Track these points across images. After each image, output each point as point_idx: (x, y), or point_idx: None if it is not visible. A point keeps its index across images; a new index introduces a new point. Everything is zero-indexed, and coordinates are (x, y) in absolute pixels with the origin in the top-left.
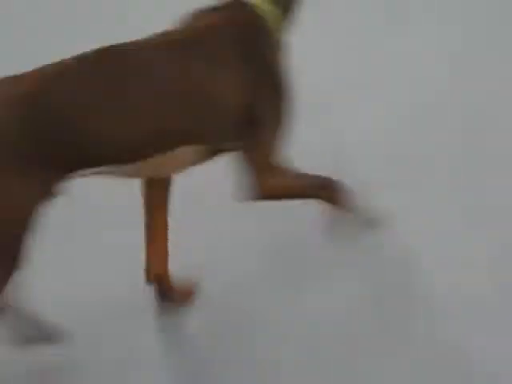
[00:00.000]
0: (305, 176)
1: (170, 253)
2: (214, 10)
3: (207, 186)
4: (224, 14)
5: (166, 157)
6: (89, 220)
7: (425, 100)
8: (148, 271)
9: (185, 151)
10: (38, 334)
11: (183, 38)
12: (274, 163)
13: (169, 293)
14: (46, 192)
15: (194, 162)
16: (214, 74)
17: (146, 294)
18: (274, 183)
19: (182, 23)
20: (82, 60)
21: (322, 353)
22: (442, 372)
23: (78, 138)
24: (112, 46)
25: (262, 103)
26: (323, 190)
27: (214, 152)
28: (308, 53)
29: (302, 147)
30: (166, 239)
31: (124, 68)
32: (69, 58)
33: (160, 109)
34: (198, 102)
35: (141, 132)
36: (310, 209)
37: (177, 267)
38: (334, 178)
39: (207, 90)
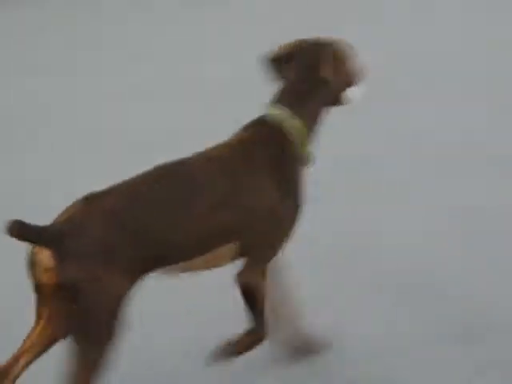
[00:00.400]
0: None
1: None
2: (246, 129)
3: None
4: (255, 132)
5: (211, 254)
6: None
7: None
8: None
9: (225, 249)
10: None
11: (224, 156)
12: (262, 268)
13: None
14: (131, 287)
15: (229, 260)
16: (253, 187)
17: None
18: (250, 283)
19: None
20: (148, 180)
21: None
22: None
23: (157, 245)
24: (168, 165)
25: (282, 210)
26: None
27: (241, 251)
28: None
29: None
30: None
31: (183, 185)
32: (137, 177)
33: (215, 217)
34: (242, 209)
35: (199, 235)
36: None
37: None
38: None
39: (250, 199)
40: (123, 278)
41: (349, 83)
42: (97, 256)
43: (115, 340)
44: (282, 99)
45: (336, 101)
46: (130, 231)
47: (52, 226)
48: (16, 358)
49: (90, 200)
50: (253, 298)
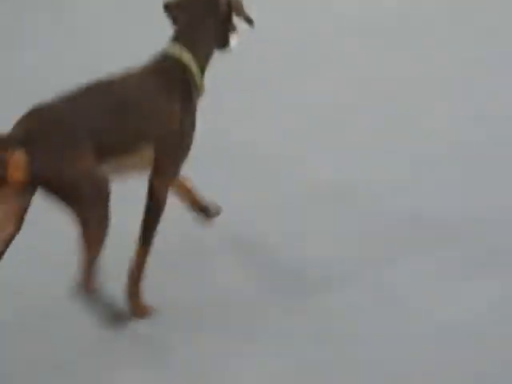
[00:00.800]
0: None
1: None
2: (153, 61)
3: None
4: (163, 63)
5: (136, 154)
6: None
7: None
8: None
9: (146, 152)
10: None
11: (143, 78)
12: (168, 182)
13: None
14: (94, 165)
15: (149, 163)
16: (161, 100)
17: None
18: (161, 193)
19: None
20: (84, 90)
21: None
22: None
23: (98, 138)
24: (96, 83)
25: (183, 131)
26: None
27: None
28: None
29: None
30: None
31: (113, 96)
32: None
33: (130, 117)
34: (151, 114)
35: (126, 134)
36: None
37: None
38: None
39: (160, 106)
40: (85, 158)
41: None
42: (61, 147)
43: (106, 199)
44: (178, 39)
45: (222, 44)
46: (78, 126)
47: (16, 131)
48: None
49: (37, 109)
50: (158, 208)
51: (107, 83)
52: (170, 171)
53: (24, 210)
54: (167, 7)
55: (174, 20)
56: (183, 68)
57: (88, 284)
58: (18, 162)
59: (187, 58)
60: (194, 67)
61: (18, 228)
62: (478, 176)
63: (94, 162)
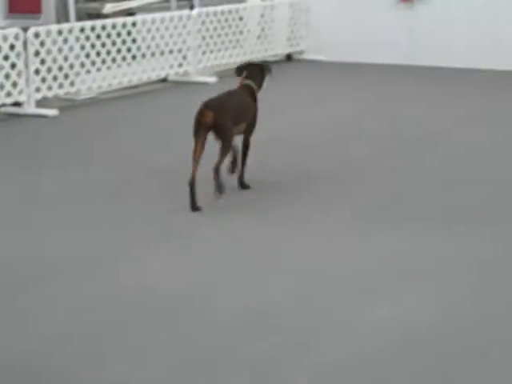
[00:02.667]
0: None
1: None
2: (241, 86)
3: None
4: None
5: (243, 125)
6: None
7: None
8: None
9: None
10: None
11: (240, 92)
12: (251, 135)
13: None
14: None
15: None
16: (250, 102)
17: None
18: (247, 139)
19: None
20: (226, 95)
21: None
22: None
23: (235, 117)
24: (227, 93)
25: (255, 115)
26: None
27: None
28: None
29: None
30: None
31: (236, 96)
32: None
33: (243, 108)
34: (248, 108)
35: (242, 114)
36: None
37: None
38: None
39: (250, 104)
40: (232, 125)
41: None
42: (228, 116)
43: (232, 138)
44: (249, 78)
45: (262, 83)
46: (229, 109)
47: (206, 104)
48: (195, 166)
49: (212, 98)
50: (247, 147)
51: (234, 92)
52: (251, 132)
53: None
54: (238, 68)
55: (240, 72)
56: (253, 89)
57: (217, 169)
58: (209, 116)
59: (253, 85)
60: (255, 89)
61: (203, 150)
62: None
63: (232, 125)
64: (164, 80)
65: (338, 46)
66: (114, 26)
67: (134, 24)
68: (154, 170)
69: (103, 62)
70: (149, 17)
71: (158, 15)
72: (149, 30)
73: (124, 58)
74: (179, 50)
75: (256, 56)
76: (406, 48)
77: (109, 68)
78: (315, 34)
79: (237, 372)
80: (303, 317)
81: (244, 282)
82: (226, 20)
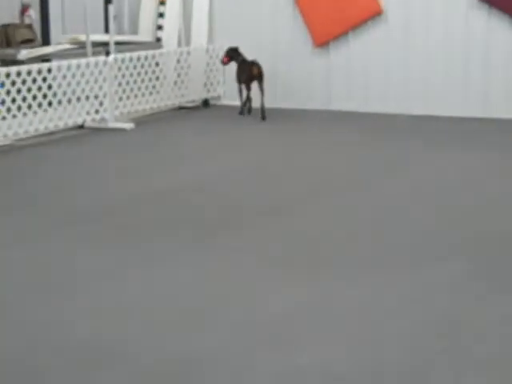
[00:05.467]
0: None
1: None
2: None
3: None
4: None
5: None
6: None
7: None
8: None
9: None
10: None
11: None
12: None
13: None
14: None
15: None
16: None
17: None
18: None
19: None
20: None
21: None
22: None
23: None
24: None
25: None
26: None
27: None
28: None
29: None
30: None
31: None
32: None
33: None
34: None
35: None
36: None
37: None
38: None
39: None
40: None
41: None
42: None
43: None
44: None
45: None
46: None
47: (254, 62)
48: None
49: (253, 61)
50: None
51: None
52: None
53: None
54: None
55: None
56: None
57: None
58: (258, 69)
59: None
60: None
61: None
62: None
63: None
64: (81, 127)
65: (254, 91)
66: (29, 73)
67: (49, 70)
68: (73, 218)
69: (18, 109)
70: (64, 63)
71: (73, 61)
72: (64, 77)
73: (40, 105)
74: (96, 97)
75: (173, 102)
76: (323, 93)
77: (25, 115)
78: (231, 80)
79: None
80: (223, 367)
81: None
82: (143, 66)
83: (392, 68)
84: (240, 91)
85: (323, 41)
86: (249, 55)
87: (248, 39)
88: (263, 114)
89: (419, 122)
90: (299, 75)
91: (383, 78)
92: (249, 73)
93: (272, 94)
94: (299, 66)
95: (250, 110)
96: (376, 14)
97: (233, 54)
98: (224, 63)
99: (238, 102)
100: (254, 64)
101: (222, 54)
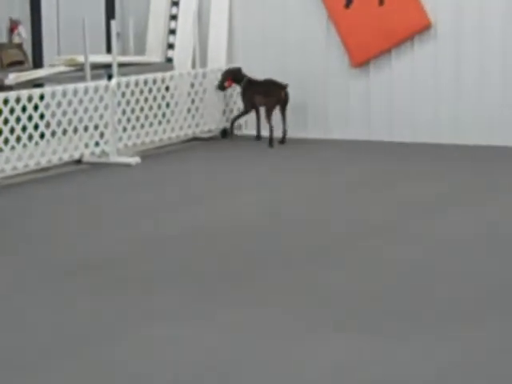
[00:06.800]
0: None
1: None
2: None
3: None
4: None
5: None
6: None
7: None
8: None
9: None
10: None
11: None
12: None
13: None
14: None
15: None
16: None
17: None
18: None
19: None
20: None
21: None
22: None
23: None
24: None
25: None
26: None
27: None
28: None
29: None
30: None
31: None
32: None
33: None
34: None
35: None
36: None
37: None
38: None
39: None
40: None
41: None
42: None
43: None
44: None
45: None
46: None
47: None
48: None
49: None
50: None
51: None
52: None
53: None
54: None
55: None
56: None
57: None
58: (285, 93)
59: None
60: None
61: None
62: None
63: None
64: (78, 161)
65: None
66: (18, 100)
67: (41, 97)
68: (68, 269)
69: (5, 141)
70: (59, 88)
71: (70, 86)
72: (59, 104)
73: (31, 137)
74: (95, 127)
75: (186, 132)
76: (361, 121)
77: (13, 148)
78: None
79: None
80: None
81: None
82: (151, 91)
83: (442, 91)
84: (257, 118)
85: (362, 60)
86: (275, 75)
87: (273, 58)
88: (284, 139)
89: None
90: (333, 100)
91: (432, 101)
92: (278, 97)
93: (302, 123)
94: (333, 89)
95: (271, 141)
96: (424, 27)
97: (236, 75)
98: (225, 88)
99: (261, 132)
100: (282, 87)
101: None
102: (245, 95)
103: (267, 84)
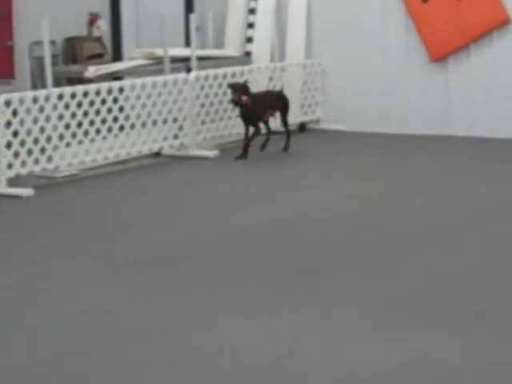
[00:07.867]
0: None
1: None
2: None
3: None
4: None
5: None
6: None
7: None
8: None
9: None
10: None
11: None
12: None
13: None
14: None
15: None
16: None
17: None
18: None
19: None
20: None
21: None
22: None
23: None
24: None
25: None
26: None
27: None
28: None
29: None
30: None
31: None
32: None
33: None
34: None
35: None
36: None
37: None
38: None
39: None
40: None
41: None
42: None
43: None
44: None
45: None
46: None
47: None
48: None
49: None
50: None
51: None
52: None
53: None
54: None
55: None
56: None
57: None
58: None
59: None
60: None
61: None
62: None
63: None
64: (157, 154)
65: (360, 114)
66: (97, 92)
67: (121, 89)
68: (146, 259)
69: (85, 133)
70: (138, 81)
71: (149, 79)
72: (138, 97)
73: (110, 129)
74: (174, 120)
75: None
76: (439, 116)
77: (92, 141)
78: (333, 100)
79: None
80: None
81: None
82: None
83: None
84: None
85: (441, 55)
86: (354, 70)
87: (353, 50)
88: (286, 147)
89: None
90: (412, 95)
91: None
92: (283, 102)
93: (383, 117)
94: (411, 84)
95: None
96: (503, 23)
97: (246, 90)
98: (243, 103)
99: (339, 127)
100: (281, 93)
101: (321, 68)
102: (254, 111)
103: (268, 94)
